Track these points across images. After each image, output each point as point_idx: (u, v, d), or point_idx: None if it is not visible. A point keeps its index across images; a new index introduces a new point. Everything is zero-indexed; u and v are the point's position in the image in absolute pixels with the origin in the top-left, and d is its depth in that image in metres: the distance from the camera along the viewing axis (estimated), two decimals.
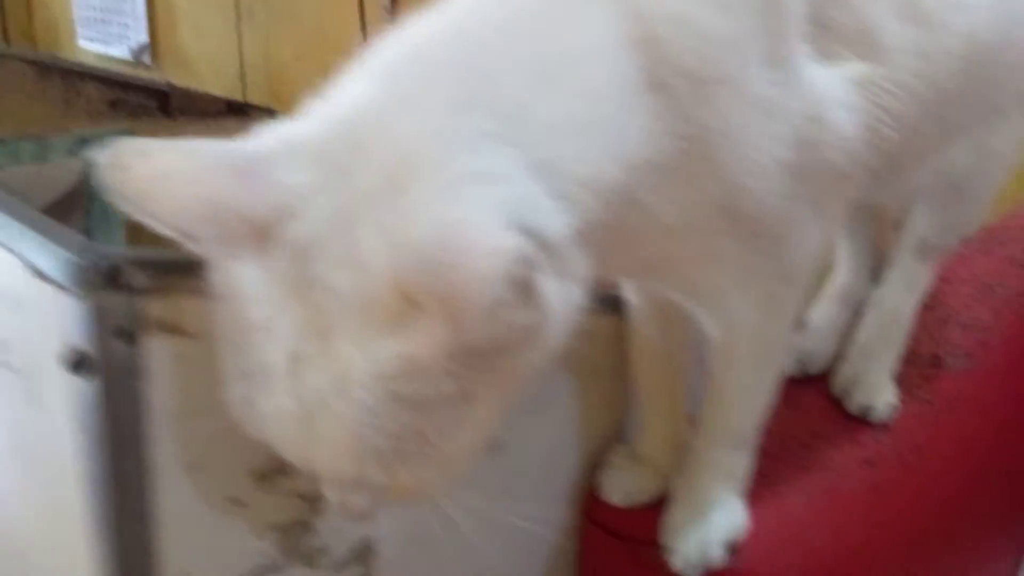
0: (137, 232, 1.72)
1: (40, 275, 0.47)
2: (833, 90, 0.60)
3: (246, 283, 0.43)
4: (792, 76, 0.58)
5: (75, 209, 1.66)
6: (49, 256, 0.45)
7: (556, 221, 0.47)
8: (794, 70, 0.58)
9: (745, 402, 0.75)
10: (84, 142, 1.67)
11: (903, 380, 1.01)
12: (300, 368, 0.44)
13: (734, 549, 0.77)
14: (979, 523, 1.05)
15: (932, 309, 1.15)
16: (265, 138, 0.47)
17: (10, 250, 0.49)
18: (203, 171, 0.43)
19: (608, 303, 0.79)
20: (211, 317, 0.51)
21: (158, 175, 0.42)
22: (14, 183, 1.54)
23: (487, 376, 0.46)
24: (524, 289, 0.44)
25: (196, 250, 0.45)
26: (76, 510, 0.53)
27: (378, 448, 0.45)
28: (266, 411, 0.45)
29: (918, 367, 1.04)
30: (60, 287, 0.45)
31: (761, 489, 0.84)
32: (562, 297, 0.48)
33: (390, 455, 0.45)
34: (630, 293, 0.77)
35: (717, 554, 0.76)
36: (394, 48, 0.52)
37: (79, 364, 0.47)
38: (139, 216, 0.44)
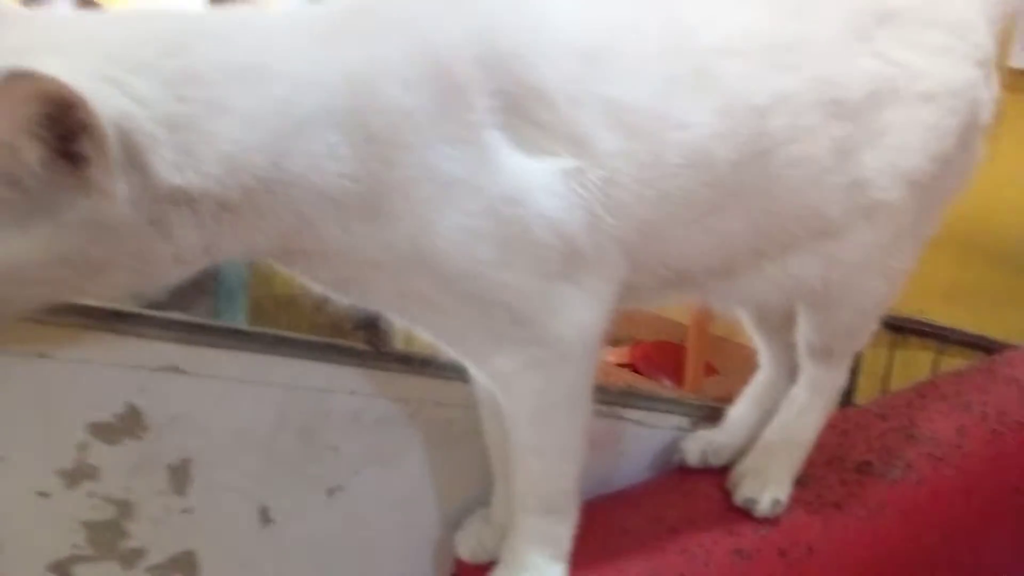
0: (258, 313, 1.95)
1: None
2: (538, 178, 0.68)
3: None
4: (480, 157, 0.66)
5: (203, 293, 1.91)
6: None
7: (154, 147, 0.56)
8: (483, 152, 0.66)
9: (539, 467, 0.80)
10: None
11: (816, 483, 1.00)
12: None
13: None
14: None
15: (884, 418, 1.13)
16: None
17: None
18: None
19: (460, 371, 0.87)
20: (15, 336, 0.67)
21: None
22: None
23: (8, 223, 0.55)
24: (62, 136, 0.53)
25: None
26: None
27: None
28: None
29: (839, 471, 1.03)
30: None
31: (605, 564, 0.88)
32: (119, 209, 0.56)
33: None
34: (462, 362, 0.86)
35: None
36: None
37: None
38: None
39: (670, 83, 0.72)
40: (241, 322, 1.87)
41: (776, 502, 0.94)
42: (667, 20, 0.74)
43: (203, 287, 1.93)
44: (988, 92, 0.87)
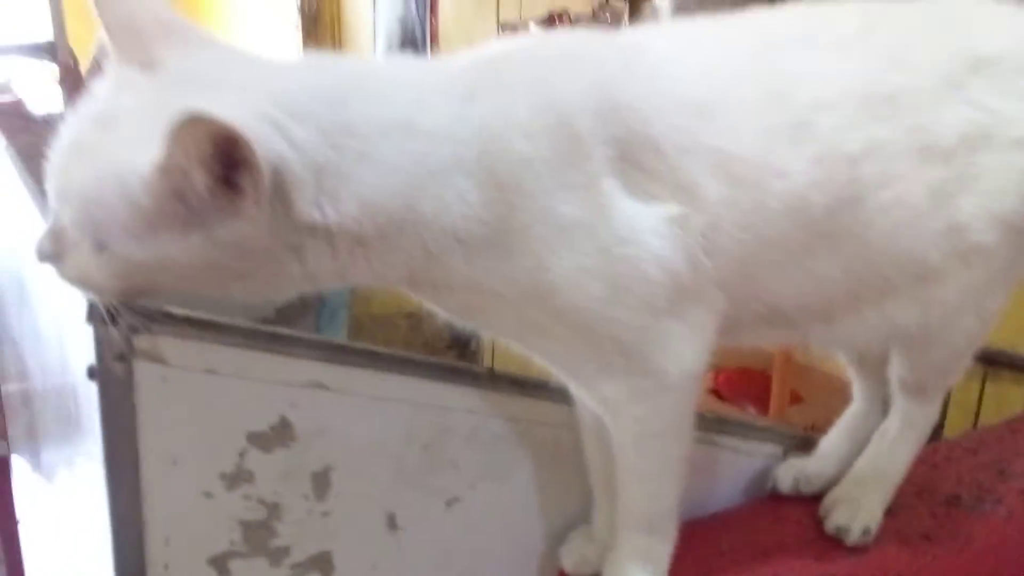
0: (357, 330, 2.08)
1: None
2: (647, 221, 0.74)
3: (125, 77, 0.68)
4: (596, 201, 0.73)
5: (307, 310, 2.02)
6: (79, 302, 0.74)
7: (301, 187, 0.65)
8: (599, 197, 0.73)
9: (642, 489, 0.87)
10: None
11: (906, 514, 1.04)
12: (102, 126, 0.65)
13: None
14: None
15: (975, 453, 1.16)
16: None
17: None
18: (154, 10, 0.69)
19: (565, 394, 0.95)
20: (190, 355, 0.76)
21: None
22: None
23: (171, 229, 0.64)
24: (227, 167, 0.61)
25: (113, 47, 0.69)
26: (101, 487, 0.79)
27: (79, 205, 0.65)
28: (62, 134, 0.67)
29: (929, 504, 1.07)
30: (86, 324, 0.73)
31: None
32: (260, 235, 0.65)
33: (79, 218, 0.65)
34: (572, 387, 0.93)
35: None
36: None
37: (92, 375, 0.74)
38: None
39: (770, 134, 0.78)
40: (342, 338, 1.98)
41: (867, 531, 0.99)
42: (767, 75, 0.80)
43: (307, 304, 2.04)
44: None
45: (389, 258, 0.72)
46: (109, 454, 0.76)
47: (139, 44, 0.68)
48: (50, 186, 0.68)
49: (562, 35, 0.79)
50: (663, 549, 0.89)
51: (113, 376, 0.74)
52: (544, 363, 0.84)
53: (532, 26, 3.44)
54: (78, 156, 0.66)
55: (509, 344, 0.84)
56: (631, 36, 0.85)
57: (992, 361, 2.20)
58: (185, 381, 0.77)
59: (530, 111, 0.72)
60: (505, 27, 3.57)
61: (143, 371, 0.75)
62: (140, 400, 0.75)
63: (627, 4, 3.57)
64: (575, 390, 0.86)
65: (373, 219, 0.69)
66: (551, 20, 3.45)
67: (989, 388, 2.23)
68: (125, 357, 0.74)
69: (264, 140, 0.62)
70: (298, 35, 6.27)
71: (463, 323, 0.82)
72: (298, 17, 6.18)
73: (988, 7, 0.90)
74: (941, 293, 0.89)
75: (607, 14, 3.49)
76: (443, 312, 0.81)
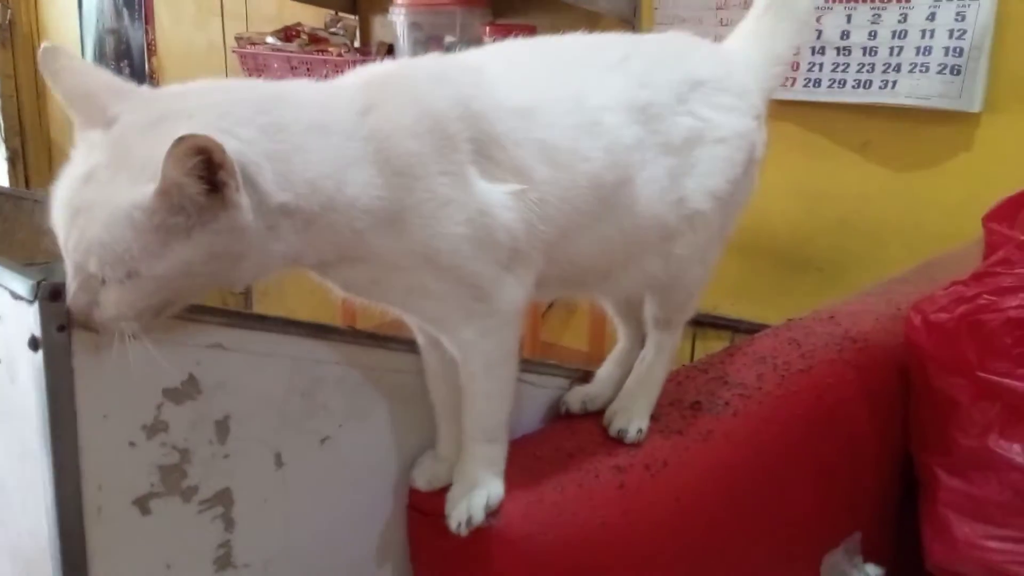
0: None
1: (15, 296, 0.86)
2: (496, 196, 0.99)
3: (91, 138, 0.83)
4: (463, 183, 0.97)
5: None
6: (21, 284, 0.85)
7: (261, 171, 0.84)
8: (465, 180, 0.97)
9: (487, 406, 1.11)
10: None
11: (664, 418, 1.37)
12: (88, 183, 0.80)
13: (494, 513, 1.11)
14: (726, 523, 1.37)
15: (706, 371, 1.52)
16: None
17: None
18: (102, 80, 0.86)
19: (411, 345, 1.16)
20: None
21: (78, 70, 0.86)
22: None
23: (179, 237, 0.81)
24: (209, 173, 0.78)
25: (75, 115, 0.85)
26: (36, 446, 0.90)
27: (101, 250, 0.79)
28: (58, 202, 0.82)
29: (679, 409, 1.40)
30: (27, 302, 0.84)
31: (528, 481, 1.19)
32: (246, 217, 0.82)
33: (106, 260, 0.79)
34: (418, 337, 1.15)
35: (479, 516, 1.10)
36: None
37: (35, 345, 0.85)
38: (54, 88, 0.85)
39: (575, 130, 1.06)
40: None
41: (640, 431, 1.29)
42: (566, 86, 1.09)
43: None
44: (761, 136, 1.28)
45: (330, 236, 0.92)
46: (52, 414, 0.87)
47: (96, 108, 0.83)
48: (68, 246, 0.82)
49: (425, 61, 1.02)
50: (501, 454, 1.14)
51: (55, 345, 0.86)
52: (419, 321, 1.09)
53: (270, 39, 3.56)
54: (81, 214, 0.80)
55: (394, 310, 1.07)
56: (468, 57, 1.09)
57: (699, 323, 2.68)
58: (111, 346, 0.90)
59: (414, 118, 0.95)
60: (241, 40, 3.65)
61: (80, 340, 0.87)
62: (77, 365, 0.87)
63: (357, 19, 3.79)
64: (441, 338, 1.09)
65: (318, 197, 0.89)
66: (288, 34, 3.59)
67: (699, 345, 2.71)
68: (65, 328, 0.86)
69: (225, 143, 0.80)
70: None
71: (362, 297, 1.04)
72: None
73: (702, 42, 1.26)
74: (677, 248, 1.22)
75: (340, 27, 3.69)
76: (347, 291, 1.03)
